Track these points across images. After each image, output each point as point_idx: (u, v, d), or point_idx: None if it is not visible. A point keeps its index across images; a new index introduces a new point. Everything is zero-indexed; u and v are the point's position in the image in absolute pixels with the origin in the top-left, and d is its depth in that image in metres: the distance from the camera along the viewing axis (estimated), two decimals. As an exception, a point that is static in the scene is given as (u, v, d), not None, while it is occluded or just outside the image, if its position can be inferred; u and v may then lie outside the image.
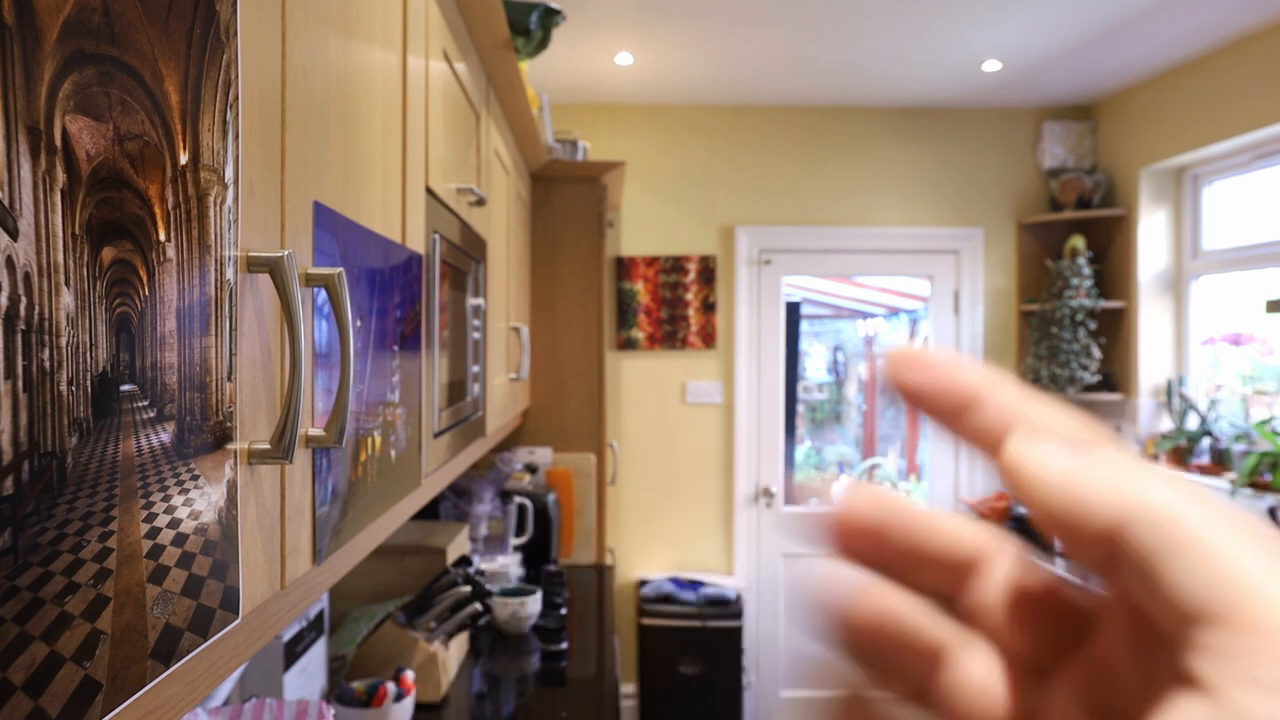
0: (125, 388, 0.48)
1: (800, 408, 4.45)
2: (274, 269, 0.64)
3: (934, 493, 3.85)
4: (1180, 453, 3.22)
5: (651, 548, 3.79)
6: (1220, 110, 3.03)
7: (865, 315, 4.68)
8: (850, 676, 0.23)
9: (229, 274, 0.61)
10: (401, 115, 1.14)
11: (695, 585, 3.55)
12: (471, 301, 1.68)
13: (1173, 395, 3.30)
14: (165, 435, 0.53)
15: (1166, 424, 3.42)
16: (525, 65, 2.30)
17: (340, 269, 0.75)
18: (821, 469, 4.55)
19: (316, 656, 1.69)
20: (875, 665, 0.23)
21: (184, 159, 0.54)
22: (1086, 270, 3.52)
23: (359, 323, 0.91)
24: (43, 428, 0.41)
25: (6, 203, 0.38)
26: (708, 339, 3.75)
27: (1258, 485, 2.81)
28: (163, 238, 0.52)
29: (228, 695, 1.34)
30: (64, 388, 0.43)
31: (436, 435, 1.36)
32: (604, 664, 2.20)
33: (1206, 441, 3.16)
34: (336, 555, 0.88)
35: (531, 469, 3.06)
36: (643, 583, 3.64)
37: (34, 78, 0.40)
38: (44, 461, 0.41)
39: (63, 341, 0.42)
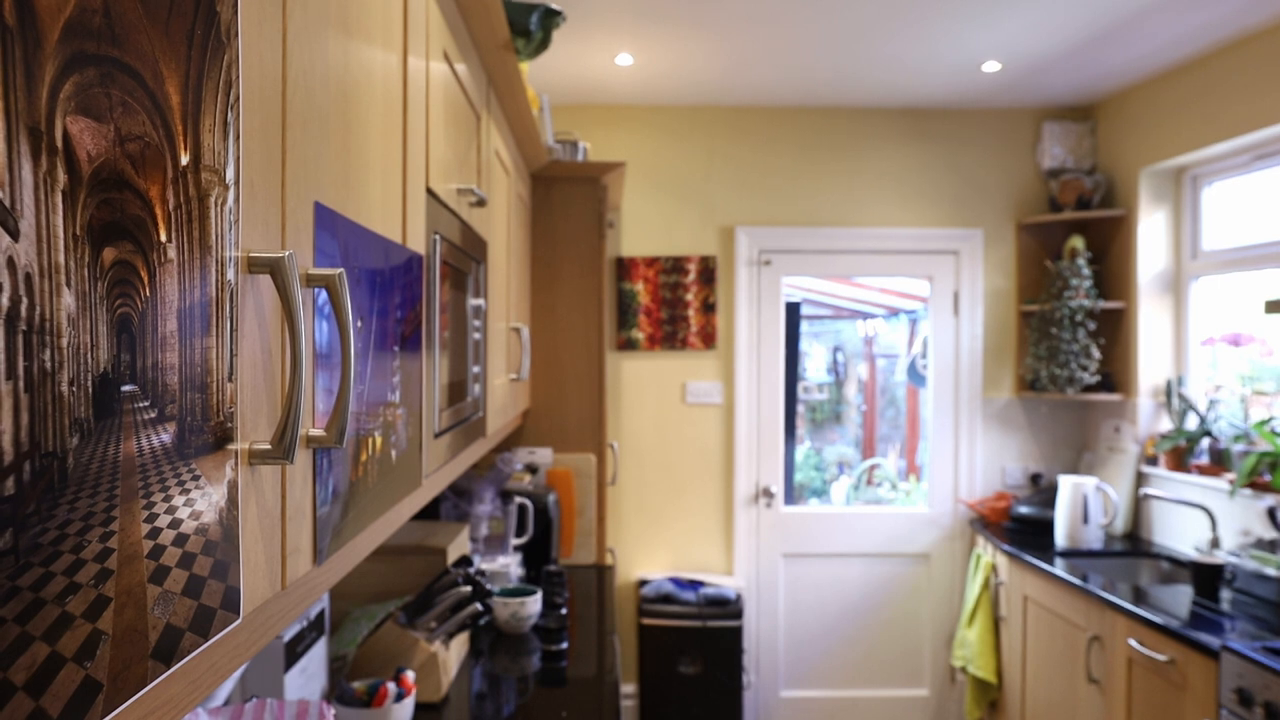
0: (126, 388, 0.49)
1: (800, 408, 4.45)
2: (275, 270, 0.65)
3: (933, 493, 3.85)
4: (1179, 453, 3.22)
5: (651, 548, 3.79)
6: (1220, 111, 3.03)
7: (865, 316, 4.68)
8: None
9: (230, 275, 0.61)
10: (402, 116, 1.15)
11: (695, 585, 3.55)
12: (472, 302, 1.68)
13: (1172, 395, 3.30)
14: (166, 435, 0.53)
15: (1166, 424, 3.42)
16: (525, 66, 2.30)
17: (341, 270, 0.75)
18: (821, 469, 4.55)
19: (317, 656, 1.69)
20: None
21: (185, 160, 0.55)
22: (1086, 271, 3.52)
23: (359, 323, 0.91)
24: (44, 428, 0.41)
25: (8, 204, 0.38)
26: (708, 339, 3.75)
27: (1257, 485, 2.81)
28: (164, 238, 0.52)
29: (228, 695, 1.34)
30: (65, 388, 0.43)
31: (437, 435, 1.36)
32: (604, 664, 2.20)
33: (1206, 442, 3.16)
34: (337, 555, 0.88)
35: (532, 469, 3.06)
36: (643, 583, 3.65)
37: (35, 79, 0.40)
38: (45, 462, 0.41)
39: (64, 342, 0.42)
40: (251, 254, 0.64)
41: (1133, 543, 3.36)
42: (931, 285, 3.84)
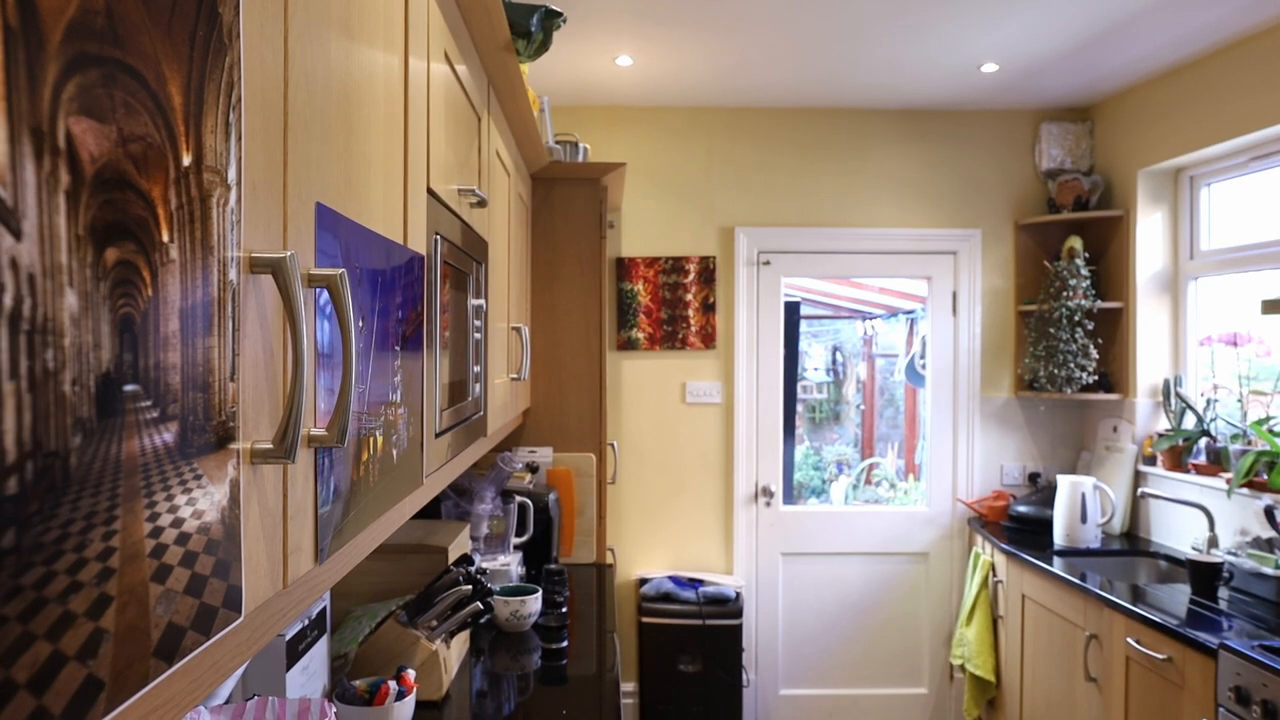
0: (128, 388, 0.49)
1: (799, 408, 4.45)
2: (276, 270, 0.65)
3: (932, 492, 3.85)
4: (1177, 452, 3.22)
5: (651, 546, 3.79)
6: (1217, 112, 3.03)
7: (864, 316, 4.69)
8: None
9: (232, 275, 0.61)
10: (403, 117, 1.15)
11: (695, 584, 3.56)
12: (473, 302, 1.68)
13: (1170, 395, 3.30)
14: (168, 435, 0.53)
15: (1163, 424, 3.43)
16: (526, 67, 2.30)
17: (342, 270, 0.75)
18: (820, 469, 4.55)
19: (319, 655, 1.69)
20: None
21: (187, 160, 0.55)
22: (1084, 271, 3.52)
23: (361, 323, 0.91)
24: (46, 428, 0.41)
25: (10, 204, 0.38)
26: (707, 339, 3.75)
27: (1254, 485, 2.82)
28: (166, 239, 0.53)
29: (230, 693, 1.34)
30: (67, 388, 0.43)
31: (438, 435, 1.36)
32: (604, 662, 2.20)
33: (1203, 441, 3.16)
34: (338, 554, 0.88)
35: (532, 468, 3.06)
36: (643, 581, 3.65)
37: (37, 80, 0.40)
38: (48, 461, 0.41)
39: (66, 342, 0.43)
40: (253, 254, 0.64)
41: (1130, 542, 3.36)
42: (930, 285, 3.85)
